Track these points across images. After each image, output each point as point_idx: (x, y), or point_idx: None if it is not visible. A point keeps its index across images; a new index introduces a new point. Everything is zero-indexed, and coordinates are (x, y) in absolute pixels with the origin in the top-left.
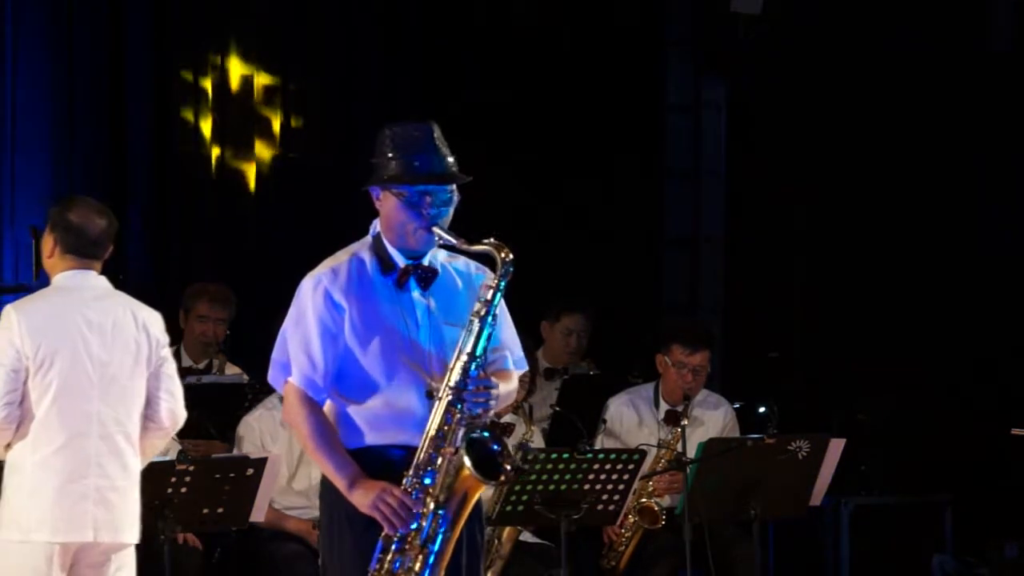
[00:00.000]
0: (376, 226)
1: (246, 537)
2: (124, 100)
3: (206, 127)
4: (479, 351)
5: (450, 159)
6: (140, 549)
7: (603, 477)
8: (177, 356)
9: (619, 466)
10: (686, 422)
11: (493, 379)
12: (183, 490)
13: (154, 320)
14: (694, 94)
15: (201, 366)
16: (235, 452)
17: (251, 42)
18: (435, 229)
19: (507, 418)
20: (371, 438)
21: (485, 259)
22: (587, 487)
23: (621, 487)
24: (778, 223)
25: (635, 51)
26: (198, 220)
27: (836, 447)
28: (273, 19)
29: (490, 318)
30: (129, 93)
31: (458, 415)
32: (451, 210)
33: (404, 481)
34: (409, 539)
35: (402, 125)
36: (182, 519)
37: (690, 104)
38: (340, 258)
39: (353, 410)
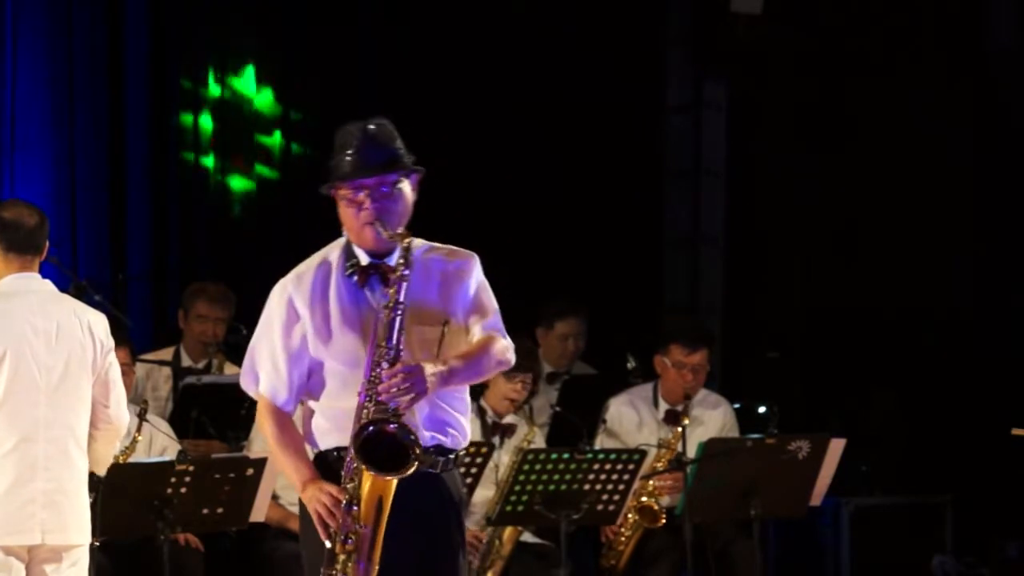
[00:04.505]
0: None
1: (246, 536)
2: (124, 100)
3: (205, 126)
4: (389, 342)
5: (388, 151)
6: (140, 549)
7: (603, 477)
8: (176, 356)
9: (619, 466)
10: (686, 422)
11: (411, 364)
12: (183, 490)
13: (99, 322)
14: (694, 94)
15: (200, 366)
16: (245, 450)
17: (252, 42)
18: (375, 224)
19: (509, 419)
20: (337, 438)
21: (468, 245)
22: (587, 487)
23: (621, 487)
24: (778, 223)
25: (635, 51)
26: (198, 220)
27: (836, 447)
28: (273, 23)
29: (399, 307)
30: (129, 93)
31: (373, 411)
32: (397, 203)
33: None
34: (339, 539)
35: (345, 125)
36: (182, 519)
37: (690, 104)
38: (311, 262)
39: (321, 411)
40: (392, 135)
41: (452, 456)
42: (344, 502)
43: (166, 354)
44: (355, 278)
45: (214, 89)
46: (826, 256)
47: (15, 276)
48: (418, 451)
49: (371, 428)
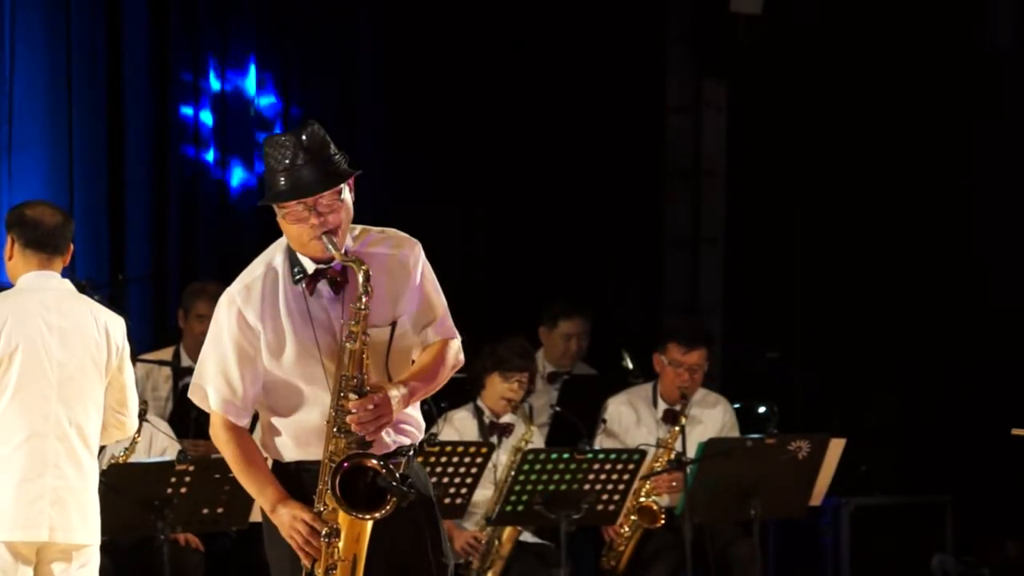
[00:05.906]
0: None
1: (246, 536)
2: (123, 100)
3: (205, 126)
4: (350, 372)
5: (324, 162)
6: (140, 549)
7: (603, 477)
8: (176, 356)
9: (619, 466)
10: (684, 421)
11: (380, 393)
12: (183, 490)
13: (116, 325)
14: (694, 94)
15: None
16: None
17: (251, 39)
18: (322, 239)
19: (507, 418)
20: (299, 452)
21: (409, 230)
22: (587, 487)
23: (621, 487)
24: (778, 223)
25: (635, 51)
26: (198, 220)
27: (836, 447)
28: (273, 17)
29: (360, 335)
30: (128, 92)
31: (343, 441)
32: (341, 214)
33: (315, 508)
34: (320, 570)
35: (276, 138)
36: (182, 519)
37: (690, 104)
38: (255, 270)
39: (281, 424)
40: (325, 142)
41: (412, 452)
42: (323, 532)
43: (166, 354)
44: (303, 286)
45: (214, 84)
46: (826, 256)
47: (34, 274)
48: (396, 498)
49: (346, 465)
